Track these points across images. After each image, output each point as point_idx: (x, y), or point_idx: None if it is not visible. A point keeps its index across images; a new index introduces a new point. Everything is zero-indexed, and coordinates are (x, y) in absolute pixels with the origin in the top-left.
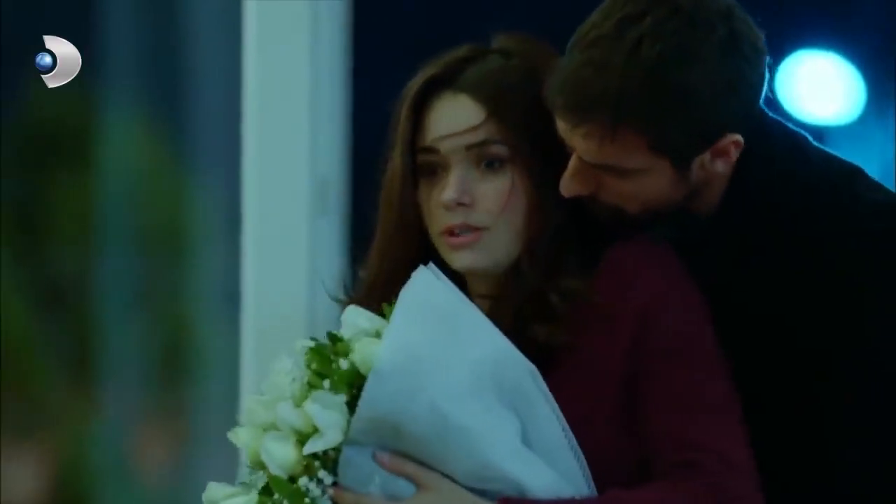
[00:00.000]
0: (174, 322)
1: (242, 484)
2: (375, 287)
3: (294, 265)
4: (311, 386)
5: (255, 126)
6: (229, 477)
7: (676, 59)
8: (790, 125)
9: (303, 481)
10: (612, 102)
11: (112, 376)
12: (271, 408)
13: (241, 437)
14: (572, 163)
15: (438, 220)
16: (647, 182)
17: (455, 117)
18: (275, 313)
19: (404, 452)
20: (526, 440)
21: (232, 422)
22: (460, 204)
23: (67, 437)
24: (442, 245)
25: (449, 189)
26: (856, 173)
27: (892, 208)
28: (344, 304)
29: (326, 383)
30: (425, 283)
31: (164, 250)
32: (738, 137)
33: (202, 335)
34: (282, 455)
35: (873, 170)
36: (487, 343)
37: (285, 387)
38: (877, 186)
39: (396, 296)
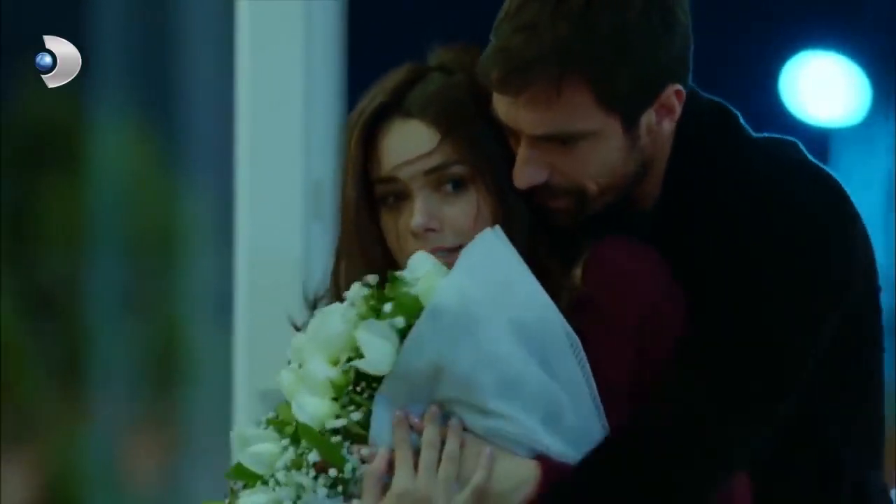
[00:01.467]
0: (165, 327)
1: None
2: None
3: (287, 270)
4: (362, 318)
5: (248, 128)
6: (222, 485)
7: (603, 2)
8: (722, 101)
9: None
10: (550, 57)
11: (102, 382)
12: (317, 346)
13: (283, 380)
14: (521, 151)
15: (408, 247)
16: (599, 150)
17: (409, 143)
18: (268, 319)
19: (435, 399)
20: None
21: (224, 429)
22: (429, 230)
23: (57, 443)
24: None
25: (416, 216)
26: (788, 145)
27: (816, 176)
28: (311, 310)
29: (388, 306)
30: (490, 242)
31: (155, 254)
32: (679, 87)
33: (194, 341)
34: (313, 407)
35: (878, 171)
36: (537, 307)
37: (335, 323)
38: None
39: None
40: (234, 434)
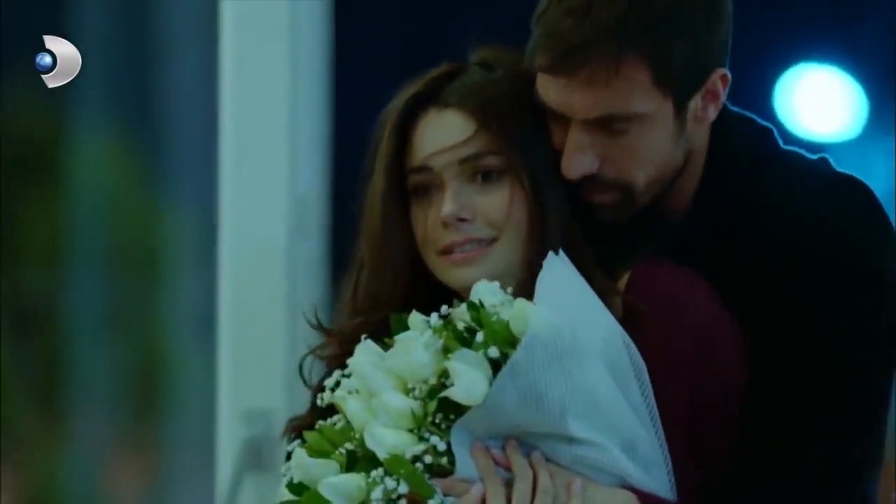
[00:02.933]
0: (147, 347)
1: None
2: (362, 315)
3: (272, 287)
4: (448, 350)
5: (233, 142)
6: None
7: None
8: (756, 118)
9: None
10: (608, 35)
11: (82, 404)
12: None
13: (350, 407)
14: (570, 138)
15: (437, 239)
16: (650, 136)
17: (444, 132)
18: (253, 338)
19: (512, 432)
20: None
21: (207, 450)
22: (460, 220)
23: (36, 466)
24: (439, 265)
25: (447, 204)
26: (821, 162)
27: (853, 188)
28: (326, 335)
29: (479, 336)
30: (559, 268)
31: (136, 272)
32: (725, 71)
33: (176, 360)
34: (393, 439)
35: (875, 188)
36: (605, 332)
37: (418, 352)
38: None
39: (387, 326)
40: (294, 464)
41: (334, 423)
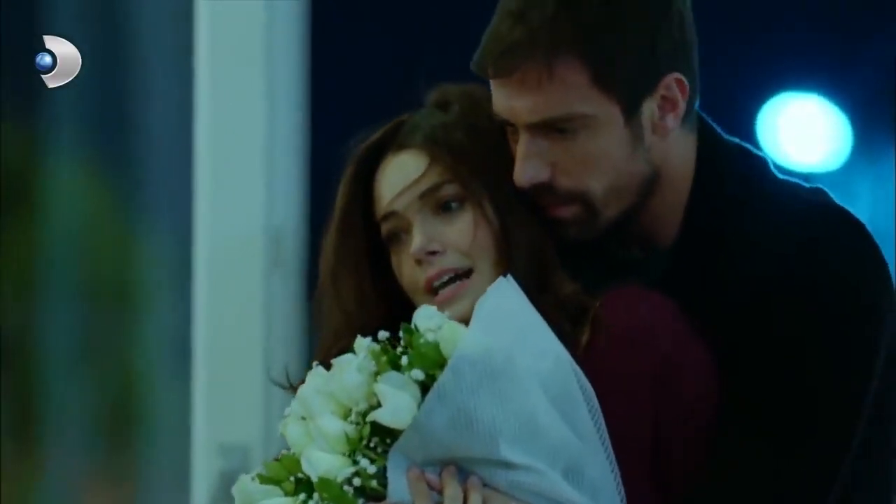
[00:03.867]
0: (122, 378)
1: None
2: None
3: (248, 319)
4: (378, 373)
5: (208, 172)
6: None
7: None
8: (749, 146)
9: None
10: (539, 35)
11: (56, 436)
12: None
13: (291, 433)
14: (519, 147)
15: (416, 280)
16: (599, 140)
17: (401, 174)
18: (228, 370)
19: (450, 458)
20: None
21: (182, 483)
22: (431, 252)
23: (10, 498)
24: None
25: (415, 240)
26: (815, 192)
27: (852, 228)
28: (292, 391)
29: (405, 359)
30: (503, 291)
31: (110, 302)
32: (681, 76)
33: (151, 392)
34: (327, 463)
35: (859, 217)
36: (551, 357)
37: (351, 374)
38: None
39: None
40: (235, 489)
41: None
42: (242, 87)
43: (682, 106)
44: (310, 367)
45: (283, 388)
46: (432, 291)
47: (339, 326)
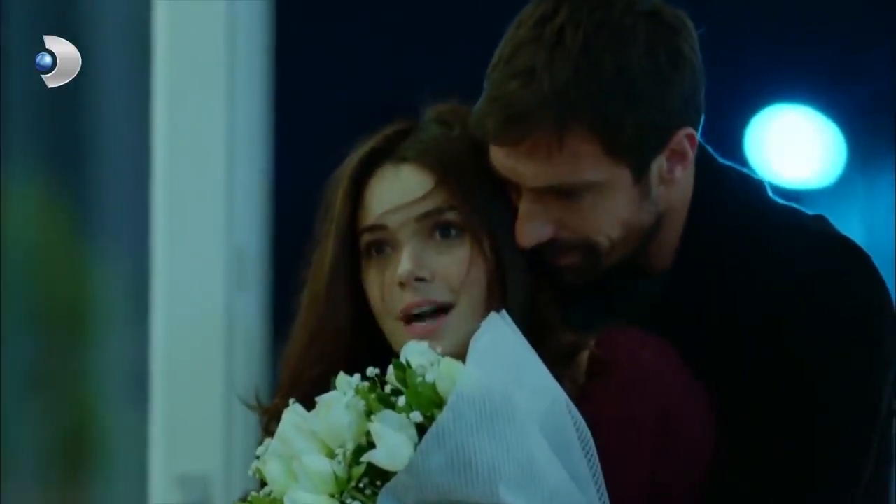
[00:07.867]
0: (76, 408)
1: None
2: (298, 386)
3: (209, 345)
4: (371, 412)
5: (166, 191)
6: None
7: (604, 38)
8: (745, 170)
9: None
10: (550, 104)
11: (9, 466)
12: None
13: (271, 472)
14: (522, 206)
15: (394, 301)
16: (606, 202)
17: (401, 189)
18: (188, 399)
19: (446, 500)
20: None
21: None
22: (418, 279)
23: None
24: (397, 333)
25: (404, 263)
26: (816, 220)
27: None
28: (261, 412)
29: (401, 400)
30: (497, 328)
31: (64, 328)
32: (692, 131)
33: (107, 422)
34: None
35: (855, 237)
36: (546, 396)
37: (339, 413)
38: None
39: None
40: None
41: (268, 493)
42: (203, 106)
43: (690, 157)
44: (274, 393)
45: (253, 409)
46: (406, 318)
47: (325, 346)
